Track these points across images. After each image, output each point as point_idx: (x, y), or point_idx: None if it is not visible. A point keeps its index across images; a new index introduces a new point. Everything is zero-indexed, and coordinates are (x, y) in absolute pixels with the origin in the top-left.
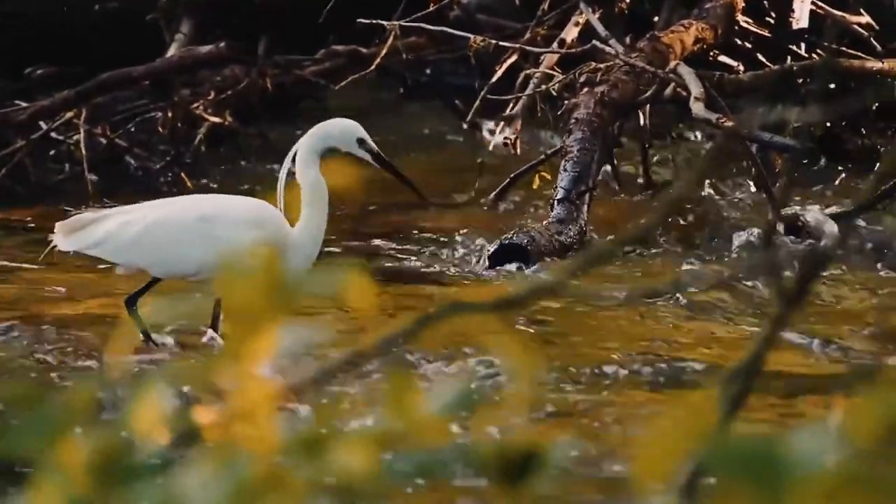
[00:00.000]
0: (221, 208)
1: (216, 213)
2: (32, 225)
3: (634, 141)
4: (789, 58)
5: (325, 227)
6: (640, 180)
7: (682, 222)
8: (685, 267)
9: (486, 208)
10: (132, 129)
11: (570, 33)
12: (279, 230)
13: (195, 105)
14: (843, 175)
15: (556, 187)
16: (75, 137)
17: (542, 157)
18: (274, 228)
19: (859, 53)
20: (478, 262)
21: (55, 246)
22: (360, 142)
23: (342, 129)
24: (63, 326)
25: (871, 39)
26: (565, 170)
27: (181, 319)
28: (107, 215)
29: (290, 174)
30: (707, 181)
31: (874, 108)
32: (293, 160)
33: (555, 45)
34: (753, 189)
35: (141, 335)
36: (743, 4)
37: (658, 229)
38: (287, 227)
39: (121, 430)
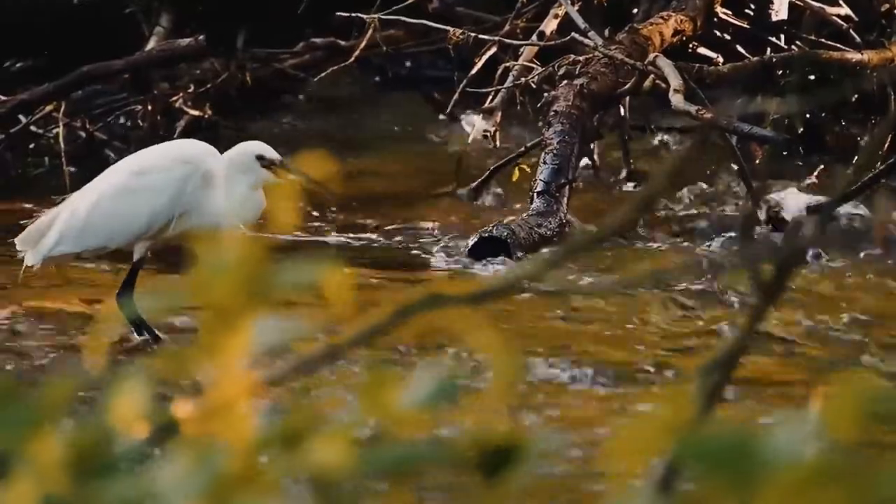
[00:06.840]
0: (147, 157)
1: (144, 164)
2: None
3: (615, 133)
4: (769, 49)
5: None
6: (623, 172)
7: (662, 213)
8: (668, 258)
9: (465, 201)
10: (111, 122)
11: (550, 25)
12: (207, 164)
13: (174, 98)
14: (823, 166)
15: (536, 180)
16: (55, 131)
17: (522, 149)
18: (201, 161)
19: (838, 45)
20: (458, 255)
21: (29, 266)
22: (260, 158)
23: (241, 154)
24: (41, 319)
25: (850, 31)
26: (545, 162)
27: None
28: (55, 214)
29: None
30: (687, 173)
31: (853, 99)
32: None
33: (534, 37)
34: (735, 180)
35: (137, 327)
36: None
37: (638, 221)
38: (216, 163)
39: (98, 424)
